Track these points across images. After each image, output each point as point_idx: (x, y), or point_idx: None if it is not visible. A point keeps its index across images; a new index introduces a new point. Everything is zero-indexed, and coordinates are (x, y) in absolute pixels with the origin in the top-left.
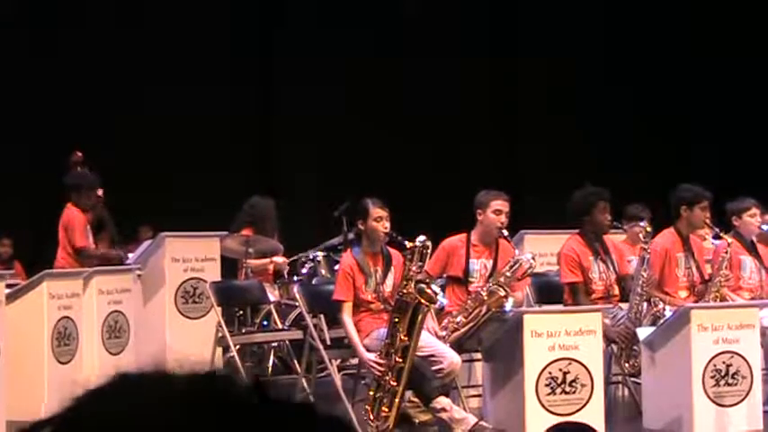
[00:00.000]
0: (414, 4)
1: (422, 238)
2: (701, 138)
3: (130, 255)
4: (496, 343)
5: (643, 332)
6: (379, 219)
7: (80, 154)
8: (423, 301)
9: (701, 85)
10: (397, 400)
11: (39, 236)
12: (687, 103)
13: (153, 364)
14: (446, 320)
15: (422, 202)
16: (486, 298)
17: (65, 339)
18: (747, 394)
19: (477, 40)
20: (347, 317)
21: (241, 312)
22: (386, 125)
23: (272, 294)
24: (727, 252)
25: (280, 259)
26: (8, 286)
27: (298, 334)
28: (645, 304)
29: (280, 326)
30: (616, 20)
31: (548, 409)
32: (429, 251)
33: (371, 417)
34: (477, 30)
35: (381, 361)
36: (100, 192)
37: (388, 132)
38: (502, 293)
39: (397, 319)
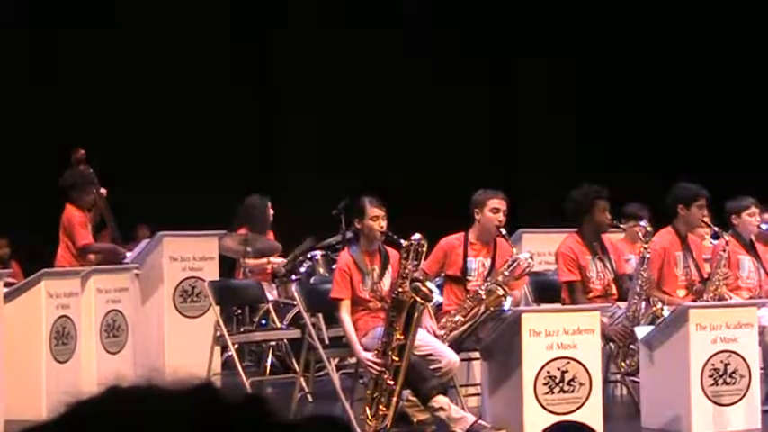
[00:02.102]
0: (414, 4)
1: (417, 236)
2: (701, 137)
3: (128, 254)
4: (495, 342)
5: (641, 331)
6: (376, 218)
7: (83, 151)
8: (418, 299)
9: (701, 85)
10: (394, 399)
11: (36, 236)
12: (687, 103)
13: (146, 378)
14: (444, 319)
15: (421, 202)
16: (484, 297)
17: (63, 338)
18: (745, 393)
19: (477, 40)
20: (345, 315)
21: (239, 311)
22: (385, 125)
23: (271, 293)
24: (725, 251)
25: (277, 260)
26: (6, 285)
27: (296, 333)
28: (643, 303)
29: (278, 325)
30: (616, 19)
31: (546, 408)
32: (425, 249)
33: (369, 416)
34: (477, 30)
35: (378, 360)
36: (103, 191)
37: (387, 132)
38: (500, 292)
39: (393, 318)
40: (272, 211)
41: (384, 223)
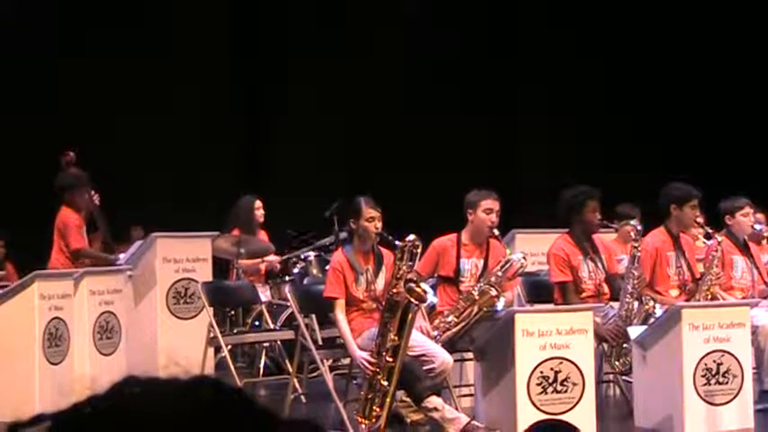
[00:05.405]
0: (414, 4)
1: (411, 236)
2: (696, 137)
3: (121, 255)
4: (488, 342)
5: (634, 331)
6: (371, 219)
7: (72, 154)
8: (412, 299)
9: (700, 85)
10: (388, 399)
11: (32, 237)
12: (686, 103)
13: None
14: (437, 320)
15: (420, 202)
16: (477, 298)
17: (56, 340)
18: (738, 393)
19: (478, 40)
20: (340, 314)
21: (233, 312)
22: (384, 125)
23: (264, 294)
24: (717, 250)
25: (272, 258)
26: None
27: (289, 334)
28: (636, 303)
29: (271, 326)
30: (616, 20)
31: (539, 408)
32: (419, 250)
33: (363, 417)
34: (477, 30)
35: (373, 360)
36: (95, 194)
37: (386, 133)
38: (493, 293)
39: (387, 319)
40: (262, 211)
41: (379, 224)
